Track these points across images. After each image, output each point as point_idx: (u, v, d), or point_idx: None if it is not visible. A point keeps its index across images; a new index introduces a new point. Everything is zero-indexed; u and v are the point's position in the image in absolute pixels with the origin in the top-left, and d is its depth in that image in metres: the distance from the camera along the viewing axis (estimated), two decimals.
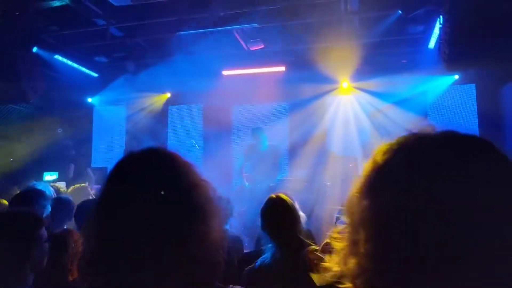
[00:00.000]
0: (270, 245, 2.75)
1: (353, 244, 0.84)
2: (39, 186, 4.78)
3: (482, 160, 0.79)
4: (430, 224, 0.73)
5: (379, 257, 0.78)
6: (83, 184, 5.37)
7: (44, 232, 2.29)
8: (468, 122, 8.55)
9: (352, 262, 0.83)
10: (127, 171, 1.19)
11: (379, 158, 0.84)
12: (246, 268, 2.79)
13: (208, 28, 7.25)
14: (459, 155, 0.79)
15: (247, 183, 7.70)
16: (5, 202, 4.87)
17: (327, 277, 0.90)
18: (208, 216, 1.13)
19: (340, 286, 0.86)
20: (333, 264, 0.91)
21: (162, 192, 1.10)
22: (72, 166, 8.58)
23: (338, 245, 0.90)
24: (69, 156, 8.79)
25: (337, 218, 5.01)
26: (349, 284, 0.84)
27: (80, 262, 1.14)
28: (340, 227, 0.93)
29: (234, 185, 8.82)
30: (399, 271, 0.76)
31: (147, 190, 1.11)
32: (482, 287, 0.71)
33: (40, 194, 3.97)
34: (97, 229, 1.12)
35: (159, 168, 1.17)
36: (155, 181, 1.12)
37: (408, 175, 0.78)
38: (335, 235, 0.94)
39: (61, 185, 7.10)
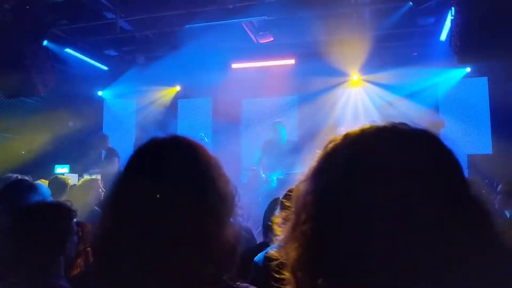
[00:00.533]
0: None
1: (294, 229, 0.85)
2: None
3: (411, 154, 0.81)
4: (356, 210, 0.76)
5: (314, 239, 0.80)
6: (94, 177, 5.38)
7: (74, 224, 2.29)
8: (479, 116, 8.46)
9: (291, 248, 0.84)
10: (145, 158, 1.15)
11: (328, 146, 0.87)
12: (254, 259, 2.78)
13: (217, 21, 7.23)
14: (390, 147, 0.81)
15: (263, 174, 7.70)
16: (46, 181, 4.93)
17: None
18: (223, 214, 1.10)
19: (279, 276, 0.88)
20: (277, 252, 0.92)
21: (178, 184, 1.07)
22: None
23: (280, 231, 0.92)
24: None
25: None
26: (288, 274, 0.86)
27: (92, 248, 1.12)
28: (284, 213, 0.92)
29: (243, 178, 8.84)
30: (332, 255, 0.77)
31: (163, 180, 1.08)
32: (406, 268, 0.72)
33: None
34: (109, 217, 1.10)
35: (178, 158, 1.13)
36: (172, 172, 1.10)
37: (347, 162, 0.82)
38: (278, 221, 0.94)
39: (71, 177, 7.16)
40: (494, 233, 0.77)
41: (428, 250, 0.72)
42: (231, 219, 1.12)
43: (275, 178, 7.40)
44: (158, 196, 1.05)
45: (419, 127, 0.86)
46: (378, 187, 0.76)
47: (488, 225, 0.78)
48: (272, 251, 0.96)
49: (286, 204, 0.92)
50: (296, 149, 7.84)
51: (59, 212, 2.24)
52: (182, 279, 1.02)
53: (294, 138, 7.97)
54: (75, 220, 2.29)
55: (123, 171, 1.15)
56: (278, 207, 2.91)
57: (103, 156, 8.39)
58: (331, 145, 0.87)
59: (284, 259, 0.88)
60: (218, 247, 1.06)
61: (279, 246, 0.92)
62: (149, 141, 1.19)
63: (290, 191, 2.88)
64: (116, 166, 7.94)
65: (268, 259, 2.64)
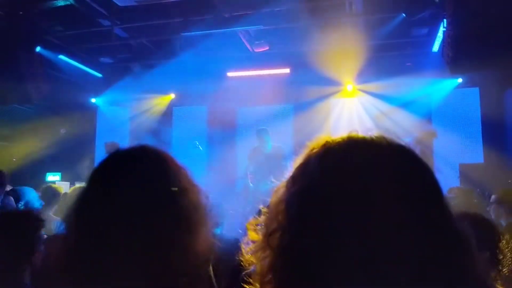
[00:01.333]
0: None
1: (265, 237, 0.84)
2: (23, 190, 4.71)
3: (385, 170, 0.79)
4: (323, 222, 0.75)
5: (282, 249, 0.79)
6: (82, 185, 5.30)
7: (42, 234, 2.26)
8: (471, 125, 8.56)
9: (261, 257, 0.83)
10: (110, 169, 1.12)
11: (306, 154, 0.86)
12: (243, 273, 2.75)
13: (213, 30, 7.27)
14: (364, 161, 0.80)
15: (251, 184, 7.69)
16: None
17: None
18: (195, 224, 1.06)
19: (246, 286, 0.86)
20: (247, 259, 0.90)
21: (146, 195, 1.03)
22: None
23: (254, 237, 0.90)
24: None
25: None
26: (256, 284, 0.84)
27: (55, 262, 1.06)
28: (260, 219, 0.91)
29: (238, 186, 8.82)
30: (299, 266, 0.76)
31: (130, 191, 1.04)
32: (377, 277, 0.71)
33: None
34: (74, 229, 1.06)
35: (145, 168, 1.09)
36: (140, 182, 1.06)
37: (319, 172, 0.80)
38: (252, 227, 0.92)
39: (63, 185, 7.09)
40: (468, 264, 0.75)
41: (393, 267, 0.71)
42: (204, 230, 1.08)
43: (264, 187, 7.33)
44: (124, 207, 1.01)
45: (400, 142, 0.83)
46: (347, 200, 0.75)
47: (462, 254, 0.75)
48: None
49: (264, 211, 0.90)
50: (282, 154, 7.83)
51: (26, 222, 2.22)
52: None
53: (278, 144, 7.95)
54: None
55: (87, 183, 1.10)
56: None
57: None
58: (308, 153, 0.86)
59: (254, 268, 0.86)
60: (190, 259, 1.03)
61: (249, 253, 0.90)
62: (116, 152, 1.15)
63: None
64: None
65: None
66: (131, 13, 7.01)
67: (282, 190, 0.85)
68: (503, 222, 4.18)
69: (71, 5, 6.62)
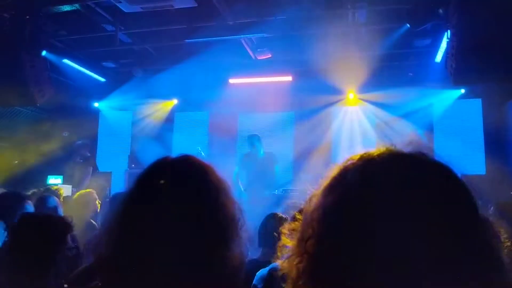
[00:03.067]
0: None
1: (300, 242, 0.86)
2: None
3: (424, 188, 0.80)
4: (360, 232, 0.77)
5: (317, 256, 0.81)
6: (88, 190, 5.33)
7: (69, 239, 2.27)
8: (473, 136, 8.54)
9: (295, 262, 0.85)
10: (158, 177, 1.12)
11: (343, 164, 0.88)
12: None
13: (216, 37, 7.29)
14: (403, 176, 0.81)
15: (244, 192, 7.66)
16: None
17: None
18: (232, 239, 1.09)
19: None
20: (281, 263, 0.92)
21: (187, 207, 1.06)
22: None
23: (288, 242, 0.92)
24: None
25: None
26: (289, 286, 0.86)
27: (94, 267, 1.09)
28: (294, 224, 0.93)
29: (235, 194, 8.80)
30: (333, 274, 0.78)
31: (176, 202, 1.06)
32: None
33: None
34: (115, 237, 1.08)
35: (191, 180, 1.12)
36: (185, 194, 1.08)
37: (357, 183, 0.82)
38: (286, 232, 0.95)
39: (65, 188, 7.09)
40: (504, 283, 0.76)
41: (427, 283, 0.72)
42: (238, 243, 1.11)
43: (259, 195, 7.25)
44: (166, 218, 1.04)
45: (439, 161, 0.85)
46: (384, 214, 0.76)
47: (497, 274, 0.76)
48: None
49: (298, 217, 0.93)
50: (275, 160, 7.81)
51: (55, 225, 2.25)
52: None
53: (270, 150, 7.93)
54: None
55: (133, 190, 1.13)
56: (274, 223, 2.89)
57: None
58: (346, 164, 0.88)
59: (287, 272, 0.88)
60: (226, 270, 1.06)
61: (284, 258, 0.92)
62: (161, 160, 1.18)
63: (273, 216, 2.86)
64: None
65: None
66: (136, 19, 7.04)
67: (316, 198, 0.87)
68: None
69: (76, 10, 6.67)
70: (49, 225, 2.24)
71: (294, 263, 0.86)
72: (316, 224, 0.83)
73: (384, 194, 0.79)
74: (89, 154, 8.69)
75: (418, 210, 0.76)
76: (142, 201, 1.09)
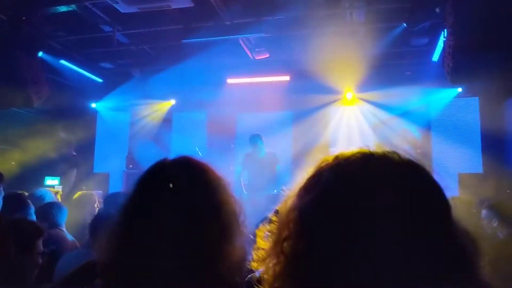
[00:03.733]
0: None
1: (277, 244, 0.86)
2: (40, 192, 4.75)
3: (396, 186, 0.81)
4: (334, 232, 0.78)
5: (293, 257, 0.81)
6: (90, 191, 5.31)
7: (40, 244, 2.26)
8: (470, 135, 8.57)
9: (271, 264, 0.86)
10: (158, 179, 1.15)
11: (318, 165, 0.89)
12: (248, 276, 2.77)
13: (214, 37, 7.29)
14: (375, 176, 0.83)
15: (245, 192, 7.66)
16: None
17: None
18: (233, 234, 1.11)
19: None
20: (257, 264, 0.93)
21: (189, 206, 1.08)
22: (75, 171, 8.48)
23: (263, 244, 0.93)
24: (70, 160, 8.68)
25: None
26: None
27: (100, 267, 1.10)
28: (269, 226, 0.93)
29: (236, 193, 8.80)
30: (310, 274, 0.78)
31: (174, 202, 1.08)
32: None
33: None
34: (119, 236, 1.09)
35: (191, 180, 1.14)
36: (186, 195, 1.10)
37: (331, 184, 0.83)
38: (261, 234, 0.95)
39: (58, 189, 7.09)
40: (470, 278, 0.77)
41: (401, 276, 0.73)
42: (240, 239, 1.13)
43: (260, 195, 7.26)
44: (168, 218, 1.05)
45: (410, 158, 0.86)
46: (359, 213, 0.78)
47: (465, 268, 0.78)
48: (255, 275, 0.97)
49: (273, 219, 0.93)
50: (276, 160, 7.81)
51: (26, 230, 2.27)
52: None
53: (272, 150, 7.93)
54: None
55: (133, 193, 1.14)
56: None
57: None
58: (320, 165, 0.89)
59: (264, 274, 0.88)
60: (230, 266, 1.08)
61: (260, 260, 0.93)
62: (160, 162, 1.19)
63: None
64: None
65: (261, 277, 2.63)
66: (133, 20, 7.04)
67: (292, 199, 0.88)
68: (500, 234, 4.17)
69: (73, 10, 6.65)
70: (18, 230, 2.23)
71: (270, 265, 0.86)
72: (293, 224, 0.84)
73: (358, 194, 0.80)
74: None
75: (389, 209, 0.77)
76: (143, 205, 1.11)
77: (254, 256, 0.95)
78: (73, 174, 8.36)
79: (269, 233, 0.92)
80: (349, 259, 0.75)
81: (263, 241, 0.93)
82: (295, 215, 0.84)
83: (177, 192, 1.10)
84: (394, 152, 0.86)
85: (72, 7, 6.55)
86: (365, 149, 0.88)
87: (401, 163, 0.85)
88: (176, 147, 9.83)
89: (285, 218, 0.86)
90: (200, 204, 1.09)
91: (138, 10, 6.35)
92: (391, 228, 0.75)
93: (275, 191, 7.18)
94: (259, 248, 0.93)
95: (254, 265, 0.95)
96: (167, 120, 10.25)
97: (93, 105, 10.39)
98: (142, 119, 10.21)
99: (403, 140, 7.73)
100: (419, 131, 8.38)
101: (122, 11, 6.37)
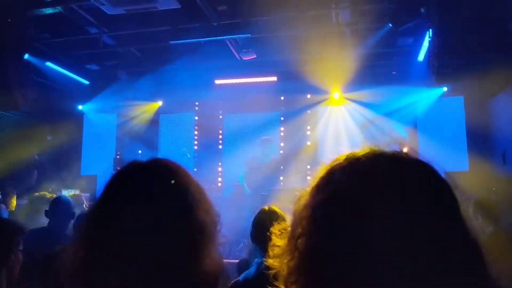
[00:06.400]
0: (257, 259, 2.75)
1: (291, 241, 0.89)
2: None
3: (407, 184, 0.84)
4: (349, 229, 0.80)
5: (307, 253, 0.84)
6: (76, 193, 5.29)
7: (20, 240, 2.27)
8: (456, 133, 8.67)
9: (286, 261, 0.89)
10: (129, 180, 1.12)
11: (330, 165, 0.92)
12: (232, 282, 2.78)
13: (201, 38, 7.30)
14: (387, 174, 0.85)
15: (248, 189, 7.69)
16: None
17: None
18: (209, 234, 1.09)
19: None
20: (272, 261, 0.95)
21: (159, 208, 1.05)
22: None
23: (278, 242, 0.95)
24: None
25: None
26: (281, 286, 0.89)
27: (67, 274, 1.05)
28: (284, 224, 0.97)
29: (224, 194, 8.83)
30: (324, 271, 0.81)
31: (144, 204, 1.05)
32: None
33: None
34: (83, 244, 1.06)
35: (159, 181, 1.10)
36: (153, 195, 1.06)
37: (344, 181, 0.86)
38: (277, 231, 0.98)
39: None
40: (481, 274, 0.79)
41: (414, 272, 0.76)
42: (212, 249, 1.09)
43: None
44: (138, 221, 1.02)
45: (418, 157, 0.89)
46: (370, 211, 0.80)
47: (480, 267, 0.80)
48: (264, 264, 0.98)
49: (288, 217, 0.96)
50: (278, 166, 7.89)
51: (5, 228, 2.27)
52: None
53: (277, 156, 8.00)
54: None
55: (100, 197, 1.11)
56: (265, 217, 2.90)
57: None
58: (333, 164, 0.91)
59: (278, 271, 0.91)
60: (199, 279, 1.05)
61: (275, 256, 0.95)
62: (128, 165, 1.16)
63: (264, 210, 2.87)
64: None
65: (244, 282, 2.63)
66: (119, 21, 6.99)
67: (305, 198, 0.91)
68: (485, 231, 4.24)
69: (59, 12, 6.60)
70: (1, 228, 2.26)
71: (285, 261, 0.89)
72: (305, 222, 0.87)
73: (369, 192, 0.82)
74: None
75: (401, 207, 0.79)
76: (111, 208, 1.08)
77: (270, 253, 0.97)
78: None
79: (283, 231, 0.95)
80: (360, 257, 0.78)
81: (278, 238, 0.96)
82: (308, 213, 0.87)
83: (148, 194, 1.07)
84: (403, 152, 0.89)
85: (58, 9, 6.51)
86: (375, 148, 0.90)
87: (410, 162, 0.88)
88: (164, 148, 9.81)
89: (299, 216, 0.89)
90: (169, 206, 1.06)
91: (124, 12, 6.33)
92: (402, 225, 0.78)
93: (263, 192, 7.23)
94: (274, 245, 0.96)
95: (269, 261, 0.96)
96: (155, 122, 10.21)
97: (80, 107, 10.29)
98: (129, 121, 10.14)
99: (390, 139, 7.83)
100: (406, 130, 8.49)
101: (108, 13, 6.34)
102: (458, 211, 0.84)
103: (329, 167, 0.92)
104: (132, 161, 1.16)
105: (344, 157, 0.91)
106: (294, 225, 0.90)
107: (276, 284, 0.91)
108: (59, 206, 4.07)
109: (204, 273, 1.05)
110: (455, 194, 0.86)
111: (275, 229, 1.01)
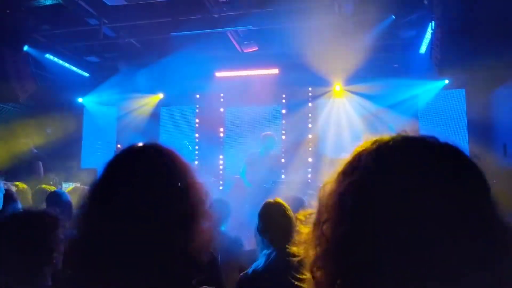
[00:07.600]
0: (264, 251, 2.75)
1: (316, 227, 0.88)
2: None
3: (439, 167, 0.82)
4: (376, 213, 0.79)
5: (334, 239, 0.83)
6: (78, 185, 5.27)
7: (60, 233, 2.20)
8: (457, 125, 8.66)
9: (312, 247, 0.88)
10: (123, 164, 1.20)
11: (357, 150, 0.90)
12: (240, 274, 2.79)
13: (202, 30, 7.25)
14: (417, 157, 0.83)
15: (250, 184, 7.67)
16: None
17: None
18: (200, 217, 1.15)
19: (300, 276, 0.92)
20: (298, 249, 0.95)
21: (153, 191, 1.12)
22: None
23: (303, 228, 0.95)
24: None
25: None
26: (308, 275, 0.89)
27: (65, 254, 1.14)
28: (309, 210, 0.95)
29: (226, 186, 8.82)
30: (351, 256, 0.80)
31: (142, 186, 1.12)
32: (421, 272, 0.75)
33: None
34: (87, 219, 1.13)
35: (156, 164, 1.18)
36: (151, 178, 1.14)
37: (372, 166, 0.84)
38: (302, 217, 0.97)
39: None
40: None
41: (443, 258, 0.74)
42: (206, 223, 1.16)
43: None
44: (132, 202, 1.10)
45: (449, 142, 0.88)
46: (399, 196, 0.78)
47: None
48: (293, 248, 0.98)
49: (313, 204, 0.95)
50: (280, 159, 7.85)
51: (44, 221, 2.15)
52: (152, 281, 1.07)
53: (278, 152, 7.95)
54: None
55: (99, 179, 1.18)
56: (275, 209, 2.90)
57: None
58: (360, 149, 0.89)
59: (304, 257, 0.91)
60: (189, 253, 1.11)
61: (301, 242, 0.95)
62: (125, 149, 1.24)
63: (270, 203, 2.86)
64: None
65: (253, 275, 2.64)
66: (120, 13, 6.94)
67: (330, 185, 0.89)
68: None
69: (59, 3, 6.54)
70: (40, 221, 2.17)
71: (311, 246, 0.88)
72: (332, 208, 0.85)
73: (398, 177, 0.80)
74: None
75: (433, 192, 0.78)
76: (112, 186, 1.15)
77: (295, 239, 0.97)
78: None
79: (308, 217, 0.94)
80: (386, 243, 0.76)
81: (303, 225, 0.95)
82: (334, 199, 0.85)
83: (141, 177, 1.14)
84: (434, 137, 0.87)
85: (58, 0, 6.45)
86: (404, 133, 0.89)
87: (440, 146, 0.86)
88: (165, 141, 9.73)
89: (324, 202, 0.88)
90: (163, 188, 1.13)
91: (126, 3, 6.29)
92: (433, 210, 0.76)
93: (265, 185, 7.22)
94: (300, 232, 0.95)
95: (293, 249, 0.96)
96: (155, 114, 10.16)
97: (80, 99, 10.25)
98: (130, 114, 10.11)
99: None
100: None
101: (109, 4, 6.29)
102: (491, 194, 0.83)
103: (356, 153, 0.90)
104: (128, 146, 1.24)
105: (371, 142, 0.89)
106: (320, 211, 0.89)
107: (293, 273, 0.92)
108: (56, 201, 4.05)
109: (193, 248, 1.12)
110: (485, 177, 0.84)
111: (301, 215, 0.99)
